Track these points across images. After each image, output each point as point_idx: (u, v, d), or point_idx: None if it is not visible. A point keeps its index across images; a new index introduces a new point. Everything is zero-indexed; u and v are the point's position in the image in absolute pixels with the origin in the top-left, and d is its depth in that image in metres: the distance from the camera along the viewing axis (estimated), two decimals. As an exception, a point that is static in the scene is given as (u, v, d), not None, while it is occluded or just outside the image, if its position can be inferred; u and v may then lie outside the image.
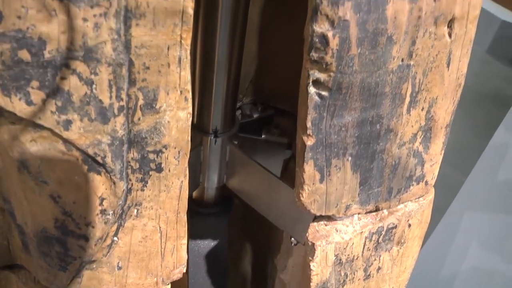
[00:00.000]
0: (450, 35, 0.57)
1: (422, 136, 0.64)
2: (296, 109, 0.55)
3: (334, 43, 0.49)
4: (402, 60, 0.55)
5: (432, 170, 0.70)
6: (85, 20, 0.41)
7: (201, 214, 0.85)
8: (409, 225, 0.73)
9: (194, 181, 0.78)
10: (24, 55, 0.41)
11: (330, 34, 0.48)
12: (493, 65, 4.38)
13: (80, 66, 0.43)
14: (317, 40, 0.49)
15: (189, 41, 0.46)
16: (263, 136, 0.81)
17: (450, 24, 0.56)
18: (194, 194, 0.85)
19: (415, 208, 0.72)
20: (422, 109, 0.61)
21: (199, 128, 0.73)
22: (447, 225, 1.68)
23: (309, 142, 0.56)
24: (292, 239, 0.75)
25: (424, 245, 1.60)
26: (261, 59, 0.83)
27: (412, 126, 0.62)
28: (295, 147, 0.59)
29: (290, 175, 0.83)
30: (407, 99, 0.59)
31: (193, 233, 0.83)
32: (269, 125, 0.83)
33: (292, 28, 0.75)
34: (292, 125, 0.83)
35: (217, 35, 0.65)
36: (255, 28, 0.79)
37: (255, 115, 0.83)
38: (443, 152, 0.69)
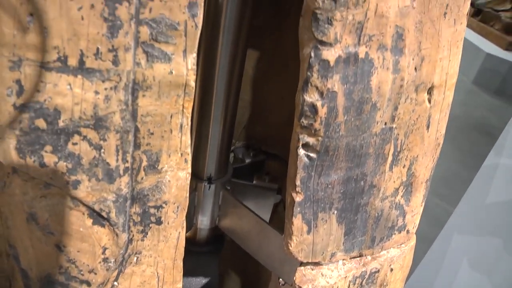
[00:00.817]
0: (429, 101, 0.62)
1: (404, 190, 0.69)
2: (286, 154, 0.59)
3: (322, 112, 0.54)
4: (385, 123, 0.60)
5: (413, 220, 0.74)
6: (96, 93, 0.46)
7: (193, 253, 0.88)
8: (391, 269, 0.77)
9: (188, 222, 0.82)
10: (41, 123, 0.46)
11: (319, 104, 0.53)
12: (479, 95, 4.45)
13: (90, 133, 0.47)
14: (307, 108, 0.53)
15: (190, 110, 0.51)
16: (254, 182, 0.86)
17: (430, 91, 0.61)
18: (187, 234, 0.89)
19: (397, 254, 0.76)
20: (404, 166, 0.66)
21: (194, 175, 0.77)
22: (436, 250, 1.72)
23: (298, 198, 0.60)
24: (280, 279, 0.79)
25: (414, 271, 1.64)
26: (253, 107, 0.88)
27: (394, 181, 0.67)
28: (285, 192, 0.63)
29: (279, 218, 0.87)
30: (390, 158, 0.63)
31: (185, 271, 0.87)
32: (261, 171, 0.88)
33: (283, 79, 0.80)
34: (282, 170, 0.87)
35: (214, 89, 0.70)
36: (249, 80, 0.84)
37: (247, 160, 0.88)
38: (423, 203, 0.74)
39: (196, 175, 0.77)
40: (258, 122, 0.90)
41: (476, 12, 4.78)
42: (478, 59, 4.46)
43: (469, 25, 4.91)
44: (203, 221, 0.83)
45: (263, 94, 0.86)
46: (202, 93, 0.70)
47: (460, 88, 4.33)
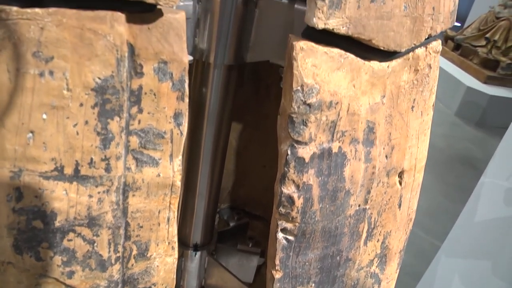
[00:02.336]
0: (400, 183, 0.67)
1: (378, 261, 0.73)
2: (268, 215, 0.63)
3: (299, 202, 0.58)
4: (359, 205, 0.65)
5: (388, 286, 0.79)
6: (90, 196, 0.50)
7: (181, 314, 0.92)
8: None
9: (175, 286, 0.85)
10: (38, 224, 0.49)
11: (295, 196, 0.58)
12: (462, 127, 4.54)
13: (84, 230, 0.51)
14: (284, 199, 0.58)
15: (176, 205, 0.55)
16: (238, 247, 0.90)
17: (400, 175, 0.66)
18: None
19: (374, 317, 0.80)
20: (378, 240, 0.71)
21: (180, 242, 0.81)
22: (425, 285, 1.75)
23: (277, 275, 0.64)
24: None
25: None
26: (237, 175, 0.92)
27: (369, 254, 0.71)
28: (267, 255, 0.67)
29: (262, 280, 0.90)
30: (364, 235, 0.68)
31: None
32: (244, 235, 0.92)
33: (264, 149, 0.85)
34: (265, 232, 0.91)
35: (200, 163, 0.74)
36: (233, 150, 0.88)
37: (231, 224, 0.92)
38: (398, 270, 0.78)
39: (183, 243, 0.81)
40: (241, 187, 0.94)
41: (456, 47, 4.92)
42: (459, 92, 4.58)
43: (450, 59, 5.04)
44: (190, 284, 0.86)
45: (246, 163, 0.91)
46: (188, 166, 0.75)
47: (443, 120, 4.43)
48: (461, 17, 8.91)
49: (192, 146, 0.72)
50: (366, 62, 0.55)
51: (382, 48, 0.54)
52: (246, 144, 0.89)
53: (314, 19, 0.49)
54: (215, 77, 0.63)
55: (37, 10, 0.41)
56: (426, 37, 0.59)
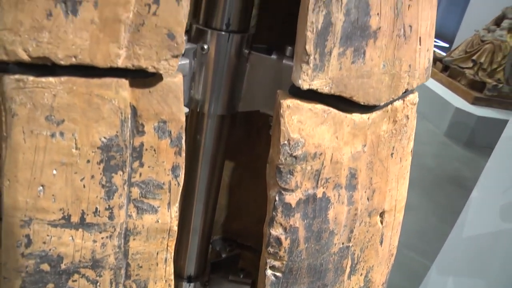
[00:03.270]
0: (381, 222, 0.72)
1: (361, 294, 0.78)
2: (259, 246, 0.68)
3: (286, 243, 0.63)
4: (342, 243, 0.70)
5: (372, 315, 0.83)
6: (94, 241, 0.54)
7: None
8: None
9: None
10: (45, 267, 0.54)
11: (283, 237, 0.62)
12: (451, 147, 4.60)
13: (88, 272, 0.56)
14: (273, 240, 0.63)
15: (173, 246, 0.60)
16: (230, 278, 0.94)
17: (382, 215, 0.71)
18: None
19: None
20: (361, 274, 0.75)
21: (175, 274, 0.85)
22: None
23: (267, 310, 0.68)
24: None
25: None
26: (229, 209, 0.97)
27: (353, 287, 0.76)
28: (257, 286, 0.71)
29: (253, 309, 0.95)
30: (348, 270, 0.73)
31: None
32: (236, 266, 0.96)
33: (256, 186, 0.90)
34: (256, 262, 0.96)
35: (194, 201, 0.79)
36: (225, 186, 0.93)
37: (224, 255, 0.96)
38: (381, 300, 0.83)
39: (177, 275, 0.85)
40: (233, 220, 0.99)
41: (445, 68, 5.02)
42: (448, 113, 4.67)
43: (439, 80, 5.14)
44: (184, 311, 0.90)
45: (238, 198, 0.96)
46: (183, 204, 0.79)
47: (433, 140, 4.51)
48: (449, 37, 9.07)
49: (187, 186, 0.77)
50: (348, 115, 0.61)
51: (362, 103, 0.60)
52: (239, 181, 0.94)
53: (300, 80, 0.54)
54: (209, 125, 0.69)
55: (50, 79, 0.46)
56: (404, 91, 0.64)
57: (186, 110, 0.62)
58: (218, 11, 0.61)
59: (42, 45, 0.43)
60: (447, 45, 9.14)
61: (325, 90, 0.56)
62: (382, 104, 0.62)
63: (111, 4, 0.43)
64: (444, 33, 10.38)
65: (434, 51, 5.43)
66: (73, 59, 0.44)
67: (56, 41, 0.43)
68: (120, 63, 0.46)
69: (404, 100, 0.65)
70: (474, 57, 4.80)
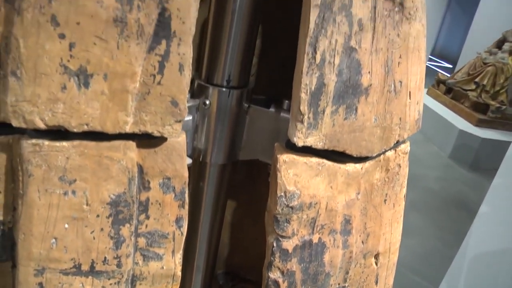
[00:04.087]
0: (376, 264, 0.75)
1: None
2: (260, 279, 0.70)
3: (283, 285, 0.66)
4: (338, 284, 0.73)
5: None
6: (103, 287, 0.58)
7: None
8: None
9: None
10: None
11: (280, 280, 0.66)
12: (455, 170, 4.59)
13: (96, 317, 0.59)
14: (271, 283, 0.66)
15: (177, 289, 0.63)
16: (232, 313, 0.97)
17: (376, 256, 0.75)
18: None
19: None
20: (357, 313, 0.78)
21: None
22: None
23: None
24: None
25: None
26: (231, 246, 1.00)
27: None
28: None
29: None
30: (344, 309, 0.76)
31: None
32: (238, 300, 1.00)
33: (257, 224, 0.93)
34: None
35: (197, 242, 0.82)
36: (227, 225, 0.97)
37: (226, 289, 1.00)
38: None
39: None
40: (235, 256, 1.02)
41: (448, 90, 5.06)
42: (452, 135, 4.69)
43: (442, 102, 5.18)
44: None
45: (240, 235, 0.99)
46: (187, 243, 0.83)
47: (437, 163, 4.53)
48: (453, 58, 9.16)
49: (190, 226, 0.80)
50: (342, 166, 0.64)
51: (355, 156, 0.64)
52: (240, 219, 0.98)
53: (295, 138, 0.58)
54: (211, 173, 0.72)
55: (64, 143, 0.50)
56: (395, 142, 0.68)
57: (189, 161, 0.66)
58: (219, 68, 0.65)
59: (57, 115, 0.47)
60: (450, 66, 9.23)
61: (319, 146, 0.59)
62: (374, 155, 0.66)
63: (119, 76, 0.48)
64: (447, 54, 10.47)
65: (438, 73, 5.50)
66: (85, 127, 0.48)
67: (70, 111, 0.47)
68: (128, 128, 0.50)
69: (396, 150, 0.69)
70: (477, 79, 4.84)
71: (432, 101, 5.30)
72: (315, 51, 0.55)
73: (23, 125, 0.47)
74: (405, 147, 0.71)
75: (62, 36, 0.45)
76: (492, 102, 4.75)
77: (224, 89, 0.65)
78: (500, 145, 4.52)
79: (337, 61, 0.57)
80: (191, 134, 0.67)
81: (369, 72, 0.60)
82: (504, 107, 4.72)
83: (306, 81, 0.55)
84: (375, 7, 0.59)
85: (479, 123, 4.75)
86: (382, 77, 0.62)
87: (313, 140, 0.59)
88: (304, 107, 0.56)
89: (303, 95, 0.56)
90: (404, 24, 0.62)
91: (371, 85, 0.61)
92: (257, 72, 0.79)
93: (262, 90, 0.77)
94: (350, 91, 0.59)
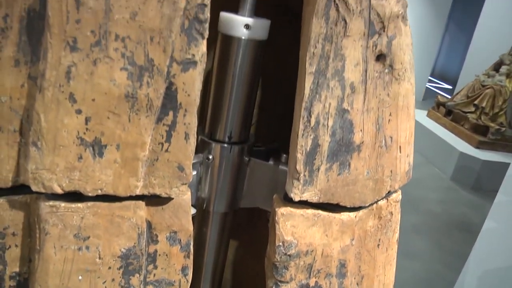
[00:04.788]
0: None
1: None
2: None
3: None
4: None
5: None
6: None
7: None
8: None
9: None
10: None
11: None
12: (457, 192, 4.60)
13: None
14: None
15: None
16: None
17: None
18: None
19: None
20: None
21: None
22: None
23: None
24: None
25: None
26: (233, 282, 1.04)
27: None
28: None
29: None
30: None
31: None
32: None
33: (258, 262, 0.97)
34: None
35: (201, 280, 0.86)
36: (230, 262, 1.01)
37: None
38: None
39: None
40: (237, 291, 1.06)
41: (448, 112, 5.11)
42: (453, 158, 4.73)
43: (443, 124, 5.23)
44: None
45: (241, 273, 1.03)
46: (192, 282, 0.87)
47: (439, 185, 4.55)
48: (452, 79, 9.25)
49: (194, 267, 0.85)
50: (337, 216, 0.69)
51: (348, 207, 0.68)
52: (242, 257, 1.02)
53: (292, 194, 0.62)
54: (213, 221, 0.77)
55: (79, 204, 0.55)
56: (387, 192, 0.72)
57: (194, 211, 0.70)
58: (221, 126, 0.70)
59: (73, 181, 0.52)
60: (450, 87, 9.31)
61: (314, 200, 0.64)
62: (367, 204, 0.70)
63: (131, 146, 0.52)
64: (447, 75, 10.57)
65: (437, 95, 5.56)
66: (99, 191, 0.53)
67: (85, 178, 0.52)
68: (138, 191, 0.54)
69: (388, 199, 0.73)
70: (476, 102, 4.90)
71: (433, 123, 5.34)
72: (310, 115, 0.60)
73: (42, 190, 0.52)
74: (397, 196, 0.75)
75: (79, 112, 0.50)
76: (492, 124, 4.80)
77: (226, 145, 0.70)
78: (501, 167, 4.54)
79: (330, 123, 0.61)
80: (195, 185, 0.72)
81: (361, 130, 0.65)
82: (503, 129, 4.76)
83: (302, 143, 0.60)
84: (366, 70, 0.64)
85: (479, 145, 4.79)
86: (374, 134, 0.67)
87: (309, 195, 0.63)
88: (300, 166, 0.61)
89: (299, 155, 0.60)
90: (393, 84, 0.67)
91: (363, 142, 0.66)
92: (257, 122, 0.84)
93: (261, 140, 0.81)
94: (343, 149, 0.64)
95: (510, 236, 2.17)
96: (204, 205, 0.74)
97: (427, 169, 4.93)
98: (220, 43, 0.66)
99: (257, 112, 0.84)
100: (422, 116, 5.57)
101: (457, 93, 5.26)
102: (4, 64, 0.51)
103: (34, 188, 0.52)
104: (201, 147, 0.71)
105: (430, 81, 9.63)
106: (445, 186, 4.68)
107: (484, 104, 4.84)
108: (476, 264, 2.34)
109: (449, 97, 6.17)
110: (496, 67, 5.09)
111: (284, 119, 0.82)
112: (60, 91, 0.49)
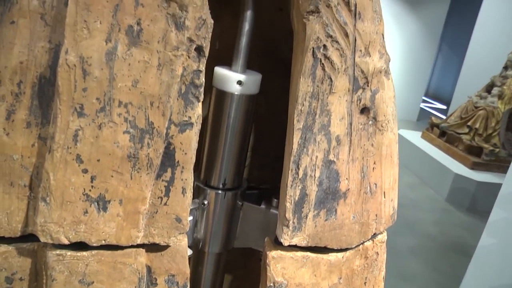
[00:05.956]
0: None
1: None
2: None
3: None
4: None
5: None
6: None
7: None
8: None
9: None
10: None
11: None
12: (453, 213, 4.61)
13: None
14: None
15: None
16: None
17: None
18: None
19: None
20: None
21: None
22: None
23: None
24: None
25: None
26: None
27: None
28: None
29: None
30: None
31: None
32: None
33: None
34: None
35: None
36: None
37: None
38: None
39: None
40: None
41: (442, 133, 5.17)
42: (448, 179, 4.77)
43: (437, 146, 5.29)
44: None
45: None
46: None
47: (435, 207, 4.59)
48: (446, 99, 9.36)
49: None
50: (325, 257, 0.73)
51: (335, 249, 0.72)
52: (236, 289, 1.06)
53: (282, 239, 0.67)
54: (208, 260, 0.81)
55: (84, 253, 0.59)
56: (372, 234, 0.77)
57: (190, 252, 0.75)
58: (216, 174, 0.74)
59: (79, 233, 0.56)
60: (444, 107, 9.41)
61: (303, 244, 0.68)
62: (354, 246, 0.75)
63: (132, 201, 0.57)
64: (441, 95, 10.68)
65: (431, 117, 5.63)
66: (103, 242, 0.57)
67: (90, 230, 0.56)
68: (139, 241, 0.59)
69: (373, 240, 0.78)
70: (469, 123, 4.96)
71: (427, 144, 5.40)
72: (298, 168, 0.64)
73: (50, 241, 0.56)
74: (382, 237, 0.80)
75: (85, 171, 0.55)
76: (486, 145, 4.86)
77: (220, 191, 0.75)
78: (496, 188, 4.56)
79: (317, 174, 0.66)
80: (192, 228, 0.76)
81: (347, 179, 0.70)
82: (497, 150, 4.82)
83: (291, 193, 0.65)
84: (351, 123, 0.69)
85: (474, 166, 4.83)
86: (359, 181, 0.71)
87: (298, 240, 0.68)
88: (289, 214, 0.65)
89: (288, 204, 0.65)
90: (377, 135, 0.72)
91: (349, 189, 0.70)
92: (250, 164, 0.89)
93: (255, 180, 0.86)
94: (330, 197, 0.69)
95: (504, 255, 2.21)
96: (200, 246, 0.79)
97: (423, 190, 4.97)
98: (215, 97, 0.71)
99: (250, 154, 0.89)
100: (416, 137, 5.63)
101: (450, 115, 5.32)
102: (17, 126, 0.56)
103: (42, 239, 0.56)
104: (196, 193, 0.76)
105: (424, 101, 9.72)
106: (441, 207, 4.71)
107: (477, 126, 4.90)
108: (470, 286, 2.37)
109: (444, 117, 6.24)
110: (488, 88, 5.17)
111: (277, 161, 0.87)
112: (68, 153, 0.54)
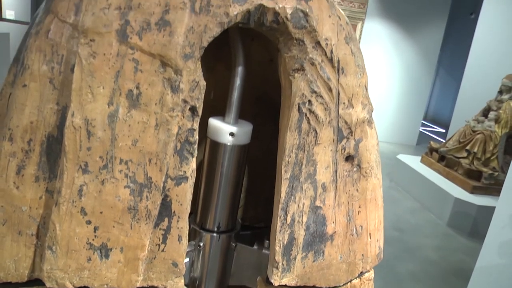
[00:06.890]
0: None
1: None
2: None
3: None
4: None
5: None
6: None
7: None
8: None
9: None
10: None
11: None
12: (454, 238, 4.61)
13: None
14: None
15: None
16: None
17: None
18: None
19: None
20: None
21: None
22: None
23: None
24: None
25: None
26: None
27: None
28: None
29: None
30: None
31: None
32: None
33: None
34: None
35: None
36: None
37: None
38: None
39: None
40: None
41: (441, 158, 5.21)
42: (449, 203, 4.78)
43: (436, 170, 5.32)
44: None
45: None
46: None
47: (436, 232, 4.59)
48: (445, 123, 9.43)
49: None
50: (314, 295, 0.78)
51: (324, 287, 0.77)
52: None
53: (272, 280, 0.71)
54: None
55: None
56: (360, 273, 0.81)
57: (187, 291, 0.79)
58: (211, 218, 0.79)
59: (83, 279, 0.61)
60: (443, 131, 9.47)
61: (293, 284, 0.73)
62: (341, 284, 0.79)
63: (132, 249, 0.62)
64: (439, 119, 10.76)
65: (430, 141, 5.68)
66: (105, 286, 0.62)
67: (93, 276, 0.61)
68: (139, 284, 0.64)
69: (361, 278, 0.82)
70: (467, 147, 5.00)
71: (427, 169, 5.43)
72: (286, 214, 0.69)
73: (56, 287, 0.61)
74: (369, 275, 0.84)
75: (89, 222, 0.60)
76: (485, 169, 4.89)
77: (215, 234, 0.79)
78: (496, 212, 4.59)
79: (305, 219, 0.71)
80: (188, 268, 0.81)
81: (333, 222, 0.75)
82: (496, 173, 4.85)
83: (280, 238, 0.70)
84: (336, 171, 0.74)
85: (474, 190, 4.85)
86: (345, 224, 0.76)
87: (287, 280, 0.72)
88: (278, 257, 0.70)
89: (277, 248, 0.70)
90: (362, 181, 0.77)
91: (335, 232, 0.75)
92: (244, 205, 0.94)
93: (248, 220, 0.91)
94: (317, 240, 0.73)
95: (500, 276, 2.23)
96: (197, 285, 0.83)
97: (424, 215, 4.98)
98: (209, 147, 0.77)
99: (245, 195, 0.94)
100: (416, 162, 5.66)
101: (449, 139, 5.37)
102: (27, 180, 0.61)
103: (48, 284, 0.61)
104: (193, 234, 0.81)
105: (423, 125, 9.79)
106: (442, 232, 4.70)
107: (475, 150, 4.94)
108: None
109: (443, 140, 6.28)
110: (485, 112, 5.23)
111: (270, 202, 0.91)
112: (73, 206, 0.59)
